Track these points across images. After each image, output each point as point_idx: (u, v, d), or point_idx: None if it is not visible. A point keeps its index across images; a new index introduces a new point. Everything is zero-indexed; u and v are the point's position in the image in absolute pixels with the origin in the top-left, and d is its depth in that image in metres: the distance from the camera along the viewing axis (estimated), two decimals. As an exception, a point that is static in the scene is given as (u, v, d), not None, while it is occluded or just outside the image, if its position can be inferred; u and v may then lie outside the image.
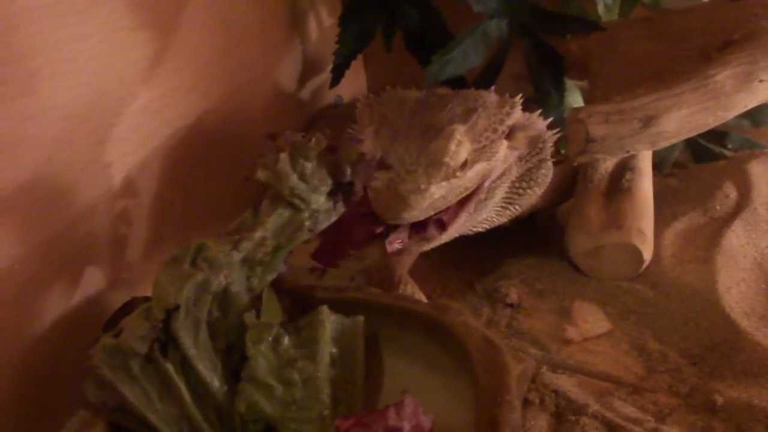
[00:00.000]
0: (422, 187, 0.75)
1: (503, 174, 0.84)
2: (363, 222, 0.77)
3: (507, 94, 0.86)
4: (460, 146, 0.78)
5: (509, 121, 0.83)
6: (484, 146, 0.80)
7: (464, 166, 0.78)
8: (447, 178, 0.77)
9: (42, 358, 0.77)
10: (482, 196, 0.82)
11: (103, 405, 0.61)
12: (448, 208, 0.79)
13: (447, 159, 0.77)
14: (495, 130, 0.82)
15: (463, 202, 0.80)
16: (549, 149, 0.88)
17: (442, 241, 0.84)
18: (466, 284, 0.97)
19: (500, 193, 0.85)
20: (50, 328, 0.77)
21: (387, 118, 0.82)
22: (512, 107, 0.85)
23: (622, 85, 1.03)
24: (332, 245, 0.76)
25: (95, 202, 0.82)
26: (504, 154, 0.83)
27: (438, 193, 0.76)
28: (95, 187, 0.82)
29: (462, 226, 0.83)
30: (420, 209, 0.75)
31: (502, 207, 0.89)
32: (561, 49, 1.15)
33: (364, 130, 0.82)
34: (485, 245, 1.03)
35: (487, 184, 0.82)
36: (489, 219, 0.90)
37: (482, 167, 0.80)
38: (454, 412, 0.62)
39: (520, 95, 0.87)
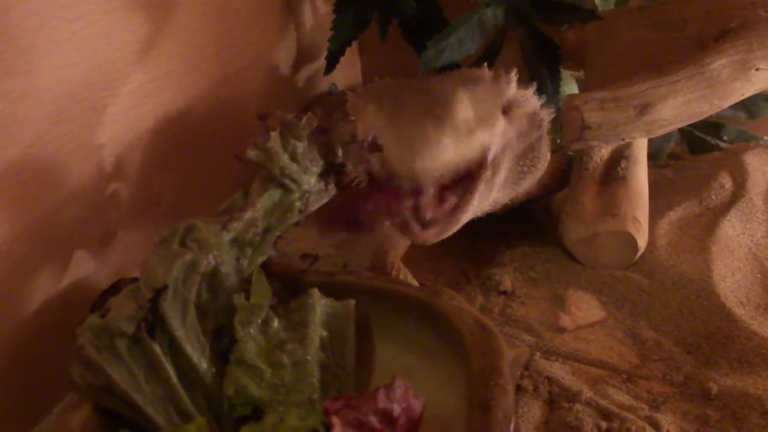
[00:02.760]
0: (434, 140, 0.73)
1: (505, 148, 0.83)
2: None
3: (502, 70, 0.85)
4: (465, 110, 0.77)
5: (505, 96, 0.82)
6: (483, 117, 0.79)
7: (469, 130, 0.77)
8: (455, 137, 0.75)
9: (30, 340, 0.76)
10: (488, 172, 0.80)
11: (89, 386, 0.60)
12: (457, 185, 0.77)
13: (453, 119, 0.75)
14: (493, 102, 0.81)
15: (471, 184, 0.79)
16: (546, 126, 0.87)
17: (458, 227, 0.81)
18: (460, 272, 0.96)
19: (505, 170, 0.84)
20: (38, 310, 0.77)
21: (385, 97, 0.81)
22: (508, 82, 0.84)
23: (618, 74, 1.02)
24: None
25: (85, 184, 0.82)
26: (503, 128, 0.82)
27: (449, 152, 0.74)
28: (86, 169, 0.82)
29: (477, 207, 0.81)
30: (435, 163, 0.73)
31: (511, 184, 0.87)
32: (557, 38, 1.15)
33: (360, 110, 0.80)
34: (479, 233, 1.02)
35: (490, 158, 0.80)
36: (499, 198, 0.88)
37: (484, 136, 0.79)
38: (446, 396, 0.62)
39: (515, 70, 0.86)
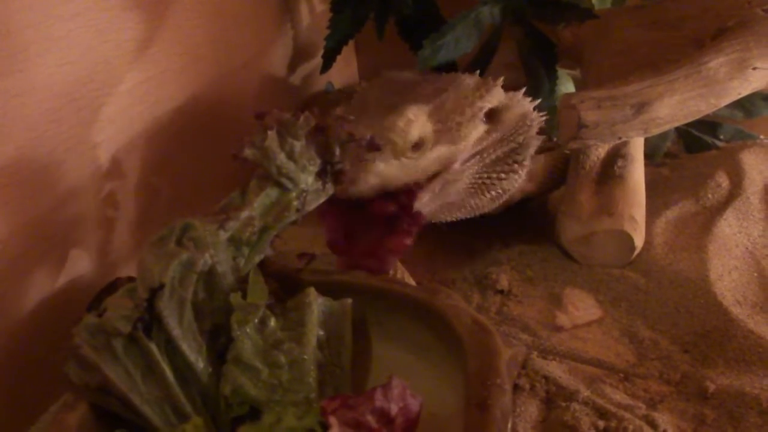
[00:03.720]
0: (368, 160, 0.74)
1: (476, 155, 0.83)
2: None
3: (490, 78, 0.85)
4: (409, 125, 0.77)
5: (482, 103, 0.82)
6: (450, 128, 0.79)
7: (418, 146, 0.77)
8: (395, 156, 0.76)
9: (26, 340, 0.76)
10: (449, 176, 0.80)
11: (85, 386, 0.60)
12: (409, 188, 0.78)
13: (393, 136, 0.76)
14: (463, 113, 0.81)
15: (426, 182, 0.79)
16: (535, 128, 0.87)
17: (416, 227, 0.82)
18: (456, 271, 0.96)
19: (469, 176, 0.84)
20: (35, 309, 0.77)
21: (368, 97, 0.82)
22: (488, 90, 0.84)
23: (615, 73, 1.02)
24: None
25: (81, 183, 0.82)
26: (478, 137, 0.82)
27: (387, 171, 0.75)
28: (81, 168, 0.82)
29: (429, 207, 0.81)
30: (366, 185, 0.74)
31: (480, 190, 0.87)
32: (554, 36, 1.15)
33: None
34: (475, 232, 1.02)
35: (457, 166, 0.80)
36: (469, 204, 0.88)
37: (445, 150, 0.79)
38: (443, 395, 0.62)
39: (502, 77, 0.86)
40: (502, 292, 0.90)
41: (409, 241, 0.76)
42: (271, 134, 0.66)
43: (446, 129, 0.79)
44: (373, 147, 0.70)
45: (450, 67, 1.02)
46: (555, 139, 1.01)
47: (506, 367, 0.58)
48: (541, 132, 0.89)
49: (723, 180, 1.05)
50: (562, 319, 0.84)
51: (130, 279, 0.64)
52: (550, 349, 0.79)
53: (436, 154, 0.78)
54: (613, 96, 0.86)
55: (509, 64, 1.17)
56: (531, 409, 0.72)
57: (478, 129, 0.82)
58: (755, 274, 0.88)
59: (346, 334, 0.66)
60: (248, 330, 0.62)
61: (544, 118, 0.88)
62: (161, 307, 0.59)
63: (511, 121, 0.84)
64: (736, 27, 0.96)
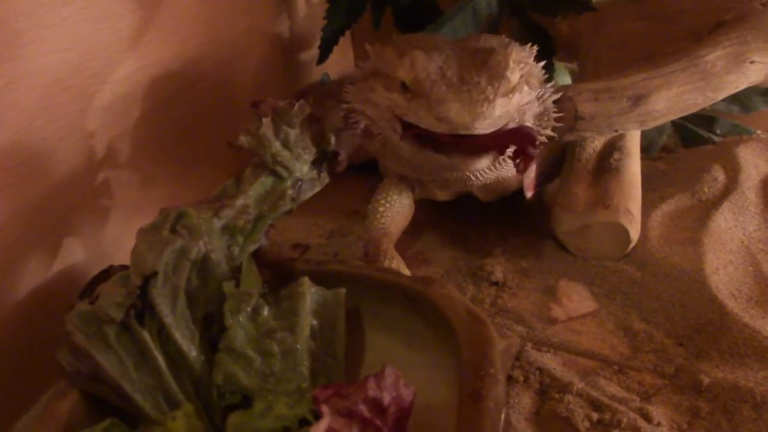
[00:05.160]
0: (490, 97, 0.72)
1: (529, 107, 0.82)
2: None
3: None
4: (516, 64, 0.76)
5: (529, 61, 0.82)
6: (521, 76, 0.78)
7: (514, 89, 0.76)
8: (507, 94, 0.74)
9: (18, 327, 0.76)
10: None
11: (77, 373, 0.60)
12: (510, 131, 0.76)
13: (508, 73, 0.75)
14: (526, 63, 0.80)
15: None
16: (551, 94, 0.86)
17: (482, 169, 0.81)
18: (451, 262, 0.96)
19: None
20: (27, 297, 0.76)
21: (423, 44, 0.80)
22: (529, 52, 0.83)
23: (612, 66, 1.02)
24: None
25: (75, 171, 0.81)
26: (527, 90, 0.81)
27: (501, 107, 0.73)
28: (76, 156, 0.81)
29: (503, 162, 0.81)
30: (491, 119, 0.72)
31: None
32: (551, 29, 1.15)
33: (405, 54, 0.78)
34: (471, 223, 1.02)
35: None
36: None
37: (523, 95, 0.78)
38: (436, 385, 0.61)
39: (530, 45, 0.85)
40: (496, 283, 0.90)
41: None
42: (266, 122, 0.66)
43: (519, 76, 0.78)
44: (368, 135, 0.70)
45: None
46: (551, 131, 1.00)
47: (500, 358, 0.58)
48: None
49: (719, 174, 1.05)
50: (557, 312, 0.84)
51: (123, 267, 0.64)
52: (545, 341, 0.79)
53: (518, 98, 0.77)
54: (610, 88, 0.86)
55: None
56: (525, 401, 0.71)
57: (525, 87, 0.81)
58: (750, 268, 0.88)
59: (340, 323, 0.66)
60: (241, 319, 0.62)
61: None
62: (154, 294, 0.59)
63: (537, 82, 0.83)
64: (733, 21, 0.97)
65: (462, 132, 0.71)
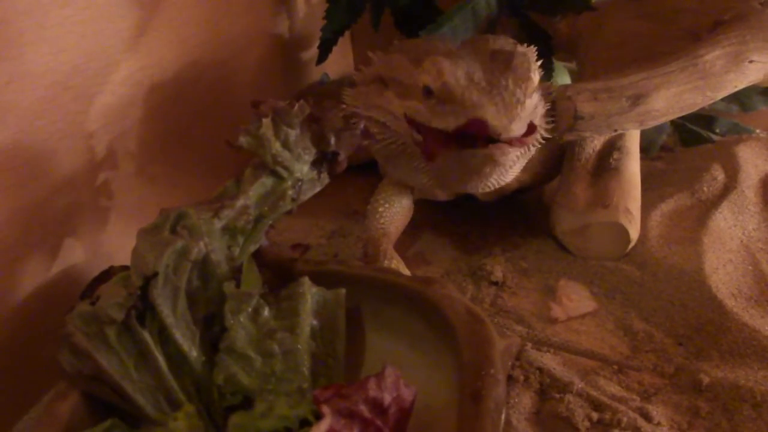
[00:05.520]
0: (522, 99, 0.73)
1: (540, 104, 0.82)
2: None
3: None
4: (535, 64, 0.78)
5: (534, 58, 0.82)
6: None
7: (535, 89, 0.78)
8: (531, 95, 0.76)
9: (19, 328, 0.76)
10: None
11: (78, 374, 0.60)
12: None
13: (532, 74, 0.76)
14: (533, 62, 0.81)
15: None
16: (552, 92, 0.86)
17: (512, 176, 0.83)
18: (451, 262, 0.96)
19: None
20: (28, 297, 0.77)
21: (439, 50, 0.79)
22: (531, 51, 0.83)
23: (611, 66, 1.02)
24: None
25: (76, 171, 0.81)
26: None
27: (528, 109, 0.75)
28: (76, 156, 0.82)
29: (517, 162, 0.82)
30: (523, 121, 0.73)
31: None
32: (550, 28, 1.15)
33: (423, 62, 0.77)
34: (470, 223, 1.02)
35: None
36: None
37: (537, 96, 0.79)
38: (436, 385, 0.61)
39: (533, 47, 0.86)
40: (496, 283, 0.90)
41: None
42: (266, 122, 0.66)
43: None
44: (368, 135, 0.70)
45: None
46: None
47: (500, 358, 0.58)
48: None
49: (718, 173, 1.05)
50: (557, 311, 0.84)
51: (124, 268, 0.64)
52: (545, 341, 0.79)
53: (535, 100, 0.78)
54: (609, 88, 0.86)
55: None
56: (525, 401, 0.71)
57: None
58: (750, 268, 0.88)
59: (340, 323, 0.66)
60: (242, 319, 0.62)
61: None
62: (155, 295, 0.59)
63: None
64: (733, 20, 0.96)
65: (501, 134, 0.72)
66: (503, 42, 0.81)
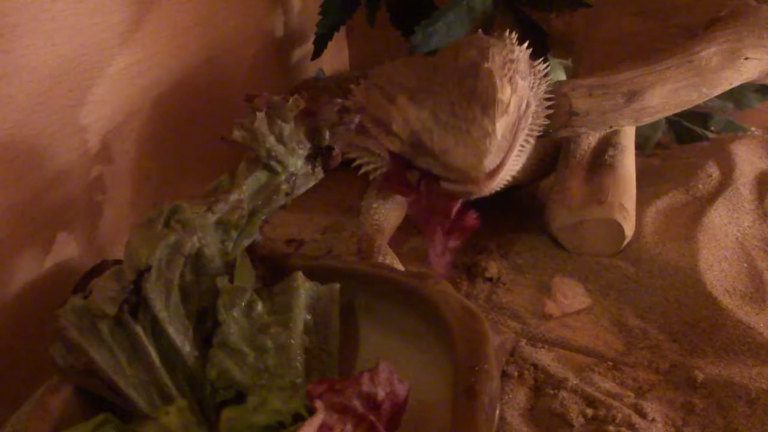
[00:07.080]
0: (490, 129, 0.72)
1: (533, 94, 0.82)
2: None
3: (495, 33, 0.85)
4: (503, 80, 0.76)
5: (514, 54, 0.81)
6: (510, 78, 0.78)
7: (509, 102, 0.76)
8: (504, 113, 0.75)
9: (11, 322, 0.76)
10: (522, 124, 0.79)
11: (70, 368, 0.59)
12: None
13: (499, 95, 0.74)
14: (511, 61, 0.80)
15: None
16: (543, 80, 0.86)
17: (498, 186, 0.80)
18: (446, 258, 0.96)
19: (527, 124, 0.82)
20: (21, 291, 0.76)
21: (408, 84, 0.79)
22: (511, 42, 0.83)
23: (607, 62, 1.02)
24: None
25: (69, 166, 0.81)
26: (522, 84, 0.81)
27: (500, 133, 0.74)
28: (70, 151, 0.81)
29: (514, 162, 0.81)
30: (496, 150, 0.73)
31: (524, 143, 0.84)
32: (546, 25, 1.15)
33: (395, 101, 0.77)
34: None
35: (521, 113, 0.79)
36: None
37: (516, 98, 0.78)
38: (430, 381, 0.61)
39: (508, 31, 0.85)
40: (491, 279, 0.90)
41: None
42: (260, 116, 0.66)
43: (508, 80, 0.78)
44: (362, 130, 0.70)
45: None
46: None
47: (495, 354, 0.58)
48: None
49: (713, 171, 1.05)
50: (551, 308, 0.84)
51: (117, 262, 0.64)
52: (539, 337, 0.79)
53: (513, 105, 0.77)
54: (604, 84, 0.86)
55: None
56: (519, 397, 0.71)
57: (520, 82, 0.80)
58: (745, 265, 0.88)
59: (334, 319, 0.66)
60: (235, 314, 0.62)
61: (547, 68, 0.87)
62: (148, 289, 0.59)
63: (528, 69, 0.83)
64: (728, 17, 0.96)
65: (475, 175, 0.72)
66: (476, 48, 0.80)
